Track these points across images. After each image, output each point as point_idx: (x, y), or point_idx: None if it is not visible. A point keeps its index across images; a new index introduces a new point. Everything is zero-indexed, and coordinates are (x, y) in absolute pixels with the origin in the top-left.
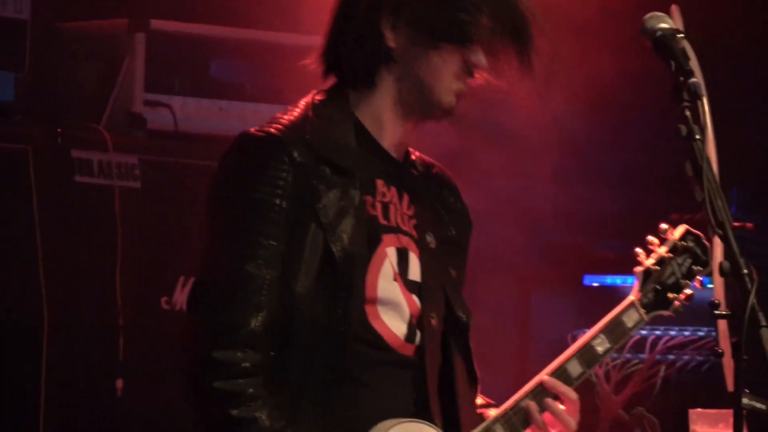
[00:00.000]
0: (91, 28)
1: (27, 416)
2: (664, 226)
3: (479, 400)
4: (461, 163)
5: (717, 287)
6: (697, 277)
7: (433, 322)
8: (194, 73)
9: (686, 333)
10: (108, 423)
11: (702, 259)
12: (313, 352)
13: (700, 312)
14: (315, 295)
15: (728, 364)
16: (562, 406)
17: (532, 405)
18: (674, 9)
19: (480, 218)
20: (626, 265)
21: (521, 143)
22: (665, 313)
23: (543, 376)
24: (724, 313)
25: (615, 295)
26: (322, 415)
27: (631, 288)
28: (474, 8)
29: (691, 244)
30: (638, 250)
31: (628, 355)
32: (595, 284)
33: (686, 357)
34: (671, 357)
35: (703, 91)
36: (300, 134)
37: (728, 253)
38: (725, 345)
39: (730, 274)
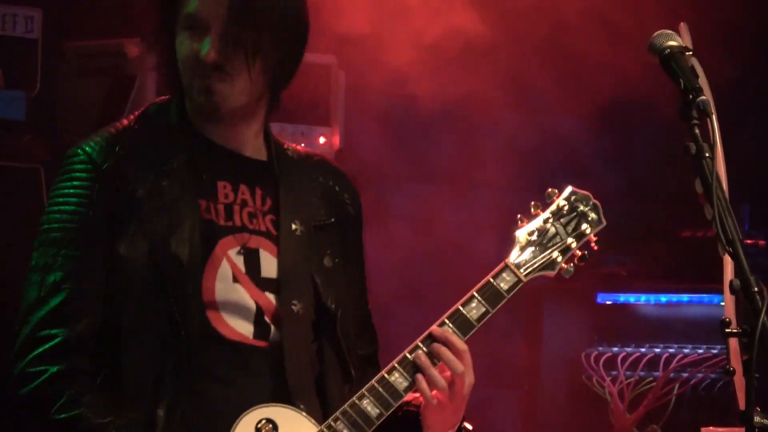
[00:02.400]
0: (101, 46)
1: None
2: (550, 190)
3: None
4: (467, 177)
5: (728, 305)
6: (591, 236)
7: (296, 308)
8: None
9: (700, 351)
10: None
11: (591, 217)
12: (163, 357)
13: (714, 330)
14: (148, 301)
15: (740, 382)
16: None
17: (421, 353)
18: (682, 27)
19: (489, 233)
20: (638, 281)
21: (528, 159)
22: (549, 273)
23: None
24: (734, 331)
25: (627, 312)
26: (180, 416)
27: (643, 305)
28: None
29: (577, 204)
30: (520, 215)
31: (642, 373)
32: (609, 302)
33: (700, 375)
34: (685, 375)
35: (712, 108)
36: (113, 145)
37: (739, 271)
38: (736, 363)
39: (741, 292)
